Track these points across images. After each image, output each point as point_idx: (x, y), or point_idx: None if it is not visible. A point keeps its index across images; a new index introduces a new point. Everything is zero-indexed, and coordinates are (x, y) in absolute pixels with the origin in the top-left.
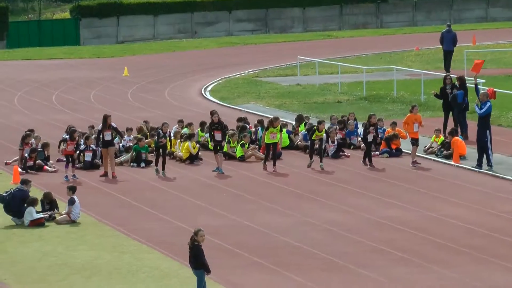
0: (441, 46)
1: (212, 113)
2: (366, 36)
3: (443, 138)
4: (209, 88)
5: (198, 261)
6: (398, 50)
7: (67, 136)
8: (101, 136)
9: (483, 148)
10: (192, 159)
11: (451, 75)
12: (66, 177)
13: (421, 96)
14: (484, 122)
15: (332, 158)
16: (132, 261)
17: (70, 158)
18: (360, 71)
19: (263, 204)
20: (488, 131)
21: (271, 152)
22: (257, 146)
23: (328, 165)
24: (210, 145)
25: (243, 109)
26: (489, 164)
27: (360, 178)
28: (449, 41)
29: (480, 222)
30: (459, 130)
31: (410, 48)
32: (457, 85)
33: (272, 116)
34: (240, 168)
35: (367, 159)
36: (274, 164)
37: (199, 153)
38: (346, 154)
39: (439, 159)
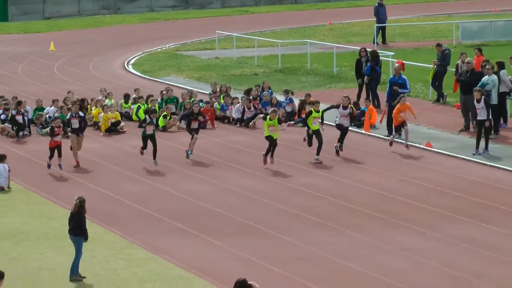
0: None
1: (193, 103)
2: (282, 11)
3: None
4: (131, 62)
5: (81, 228)
6: (312, 24)
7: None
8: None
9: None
10: (110, 130)
11: (366, 48)
12: (49, 166)
13: (333, 68)
14: (399, 93)
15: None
16: (59, 226)
17: (56, 150)
18: (275, 45)
19: (185, 172)
20: None
21: (271, 146)
22: (177, 117)
23: (246, 134)
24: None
25: (164, 81)
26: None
27: (278, 147)
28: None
29: (392, 188)
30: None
31: (323, 23)
32: (370, 58)
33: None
34: (162, 138)
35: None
36: (272, 155)
37: (122, 123)
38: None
39: (352, 128)
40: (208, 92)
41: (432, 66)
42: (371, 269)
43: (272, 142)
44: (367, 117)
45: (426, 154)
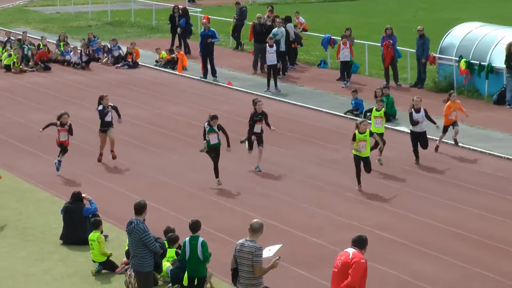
0: None
1: (255, 102)
2: None
3: (165, 54)
4: None
5: None
6: None
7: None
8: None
9: (211, 61)
10: None
11: (179, 6)
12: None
13: (153, 21)
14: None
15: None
16: None
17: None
18: (106, 2)
19: (31, 105)
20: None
21: (367, 169)
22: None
23: (82, 75)
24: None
25: (15, 31)
26: (214, 75)
27: (104, 84)
28: None
29: (198, 117)
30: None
31: None
32: (181, 14)
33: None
34: (13, 78)
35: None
36: (359, 182)
37: None
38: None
39: (166, 70)
40: (40, 37)
41: (232, 20)
42: (183, 183)
43: (367, 163)
44: (180, 61)
45: (227, 91)
